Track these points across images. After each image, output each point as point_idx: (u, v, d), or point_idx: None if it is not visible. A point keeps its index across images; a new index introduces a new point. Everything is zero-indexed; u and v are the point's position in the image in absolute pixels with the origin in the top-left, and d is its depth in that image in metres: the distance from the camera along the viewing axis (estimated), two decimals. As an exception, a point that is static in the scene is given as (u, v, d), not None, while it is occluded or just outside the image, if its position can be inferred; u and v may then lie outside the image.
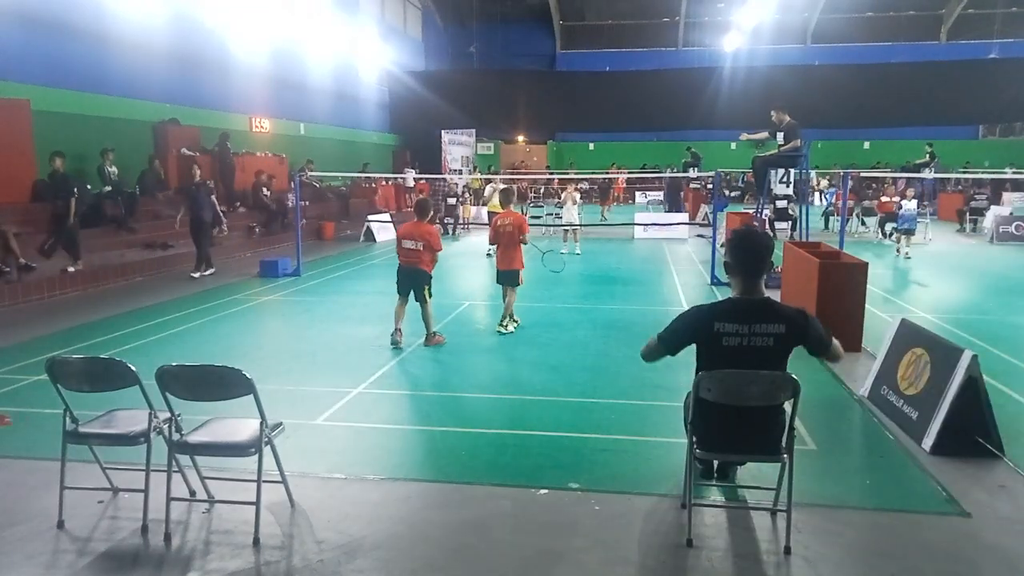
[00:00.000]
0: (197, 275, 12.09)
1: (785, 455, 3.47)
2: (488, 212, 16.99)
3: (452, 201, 20.19)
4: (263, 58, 20.63)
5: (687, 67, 31.08)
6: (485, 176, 26.08)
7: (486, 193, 19.69)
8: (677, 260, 14.66)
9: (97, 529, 3.77)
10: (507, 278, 8.21)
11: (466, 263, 14.60)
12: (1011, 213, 18.71)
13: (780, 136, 11.02)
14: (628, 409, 5.63)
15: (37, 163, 12.21)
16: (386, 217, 19.66)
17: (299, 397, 5.86)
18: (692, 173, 21.95)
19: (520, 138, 38.28)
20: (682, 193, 23.30)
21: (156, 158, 15.42)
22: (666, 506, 3.97)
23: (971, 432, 4.58)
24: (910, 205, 14.76)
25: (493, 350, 7.56)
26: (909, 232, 14.62)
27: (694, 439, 3.56)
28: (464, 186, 23.91)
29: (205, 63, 17.78)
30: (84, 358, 3.78)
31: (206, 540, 3.67)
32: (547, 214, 18.50)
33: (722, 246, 10.07)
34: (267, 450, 3.68)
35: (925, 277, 12.62)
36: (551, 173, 33.45)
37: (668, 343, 3.56)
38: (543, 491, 4.15)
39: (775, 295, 4.93)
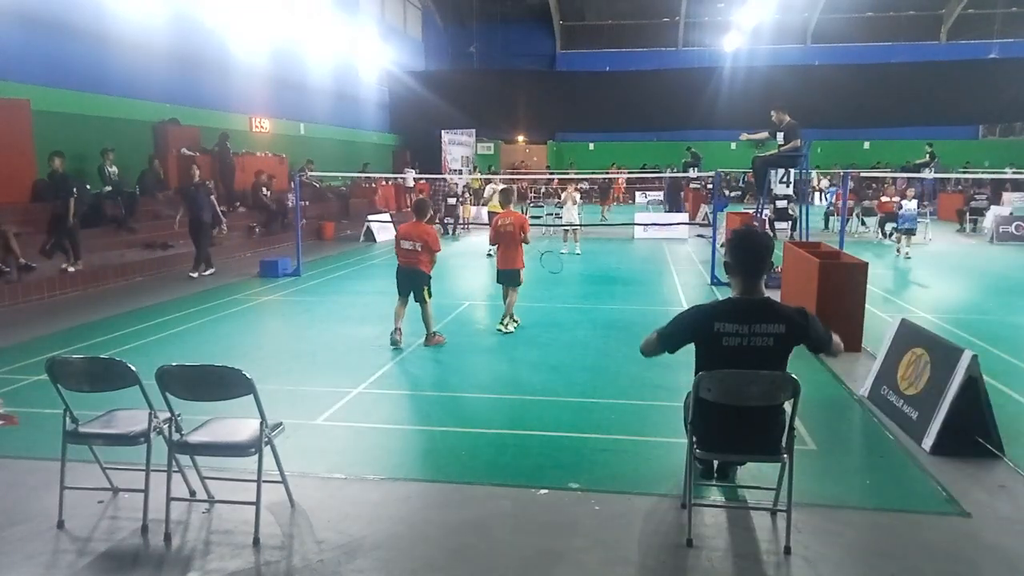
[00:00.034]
0: (195, 275, 12.09)
1: (785, 455, 3.47)
2: (488, 212, 17.00)
3: (452, 201, 20.18)
4: (263, 58, 20.64)
5: (687, 67, 31.08)
6: (485, 176, 26.07)
7: (486, 193, 19.70)
8: (677, 260, 14.66)
9: (97, 529, 3.77)
10: (508, 278, 8.22)
11: (466, 263, 14.60)
12: (1011, 213, 18.70)
13: (780, 136, 11.03)
14: (628, 409, 5.63)
15: (37, 163, 12.22)
16: (386, 217, 19.65)
17: (299, 397, 5.86)
18: (692, 173, 21.94)
19: (520, 138, 38.28)
20: (682, 193, 23.30)
21: (156, 158, 15.45)
22: (666, 506, 3.97)
23: (971, 432, 4.58)
24: (910, 205, 14.76)
25: (493, 350, 7.56)
26: (909, 232, 14.62)
27: (694, 439, 3.56)
28: (464, 186, 23.88)
29: (205, 63, 17.79)
30: (84, 358, 3.78)
31: (206, 540, 3.67)
32: (547, 214, 18.51)
33: (722, 246, 10.07)
34: (267, 450, 3.68)
35: (925, 277, 12.62)
36: (551, 173, 33.45)
37: (667, 341, 3.57)
38: (543, 491, 4.15)
39: (775, 295, 4.92)
